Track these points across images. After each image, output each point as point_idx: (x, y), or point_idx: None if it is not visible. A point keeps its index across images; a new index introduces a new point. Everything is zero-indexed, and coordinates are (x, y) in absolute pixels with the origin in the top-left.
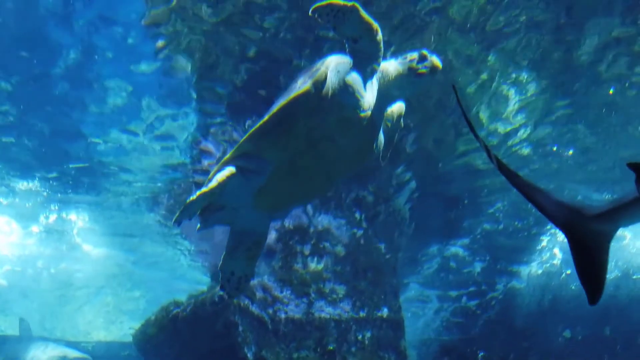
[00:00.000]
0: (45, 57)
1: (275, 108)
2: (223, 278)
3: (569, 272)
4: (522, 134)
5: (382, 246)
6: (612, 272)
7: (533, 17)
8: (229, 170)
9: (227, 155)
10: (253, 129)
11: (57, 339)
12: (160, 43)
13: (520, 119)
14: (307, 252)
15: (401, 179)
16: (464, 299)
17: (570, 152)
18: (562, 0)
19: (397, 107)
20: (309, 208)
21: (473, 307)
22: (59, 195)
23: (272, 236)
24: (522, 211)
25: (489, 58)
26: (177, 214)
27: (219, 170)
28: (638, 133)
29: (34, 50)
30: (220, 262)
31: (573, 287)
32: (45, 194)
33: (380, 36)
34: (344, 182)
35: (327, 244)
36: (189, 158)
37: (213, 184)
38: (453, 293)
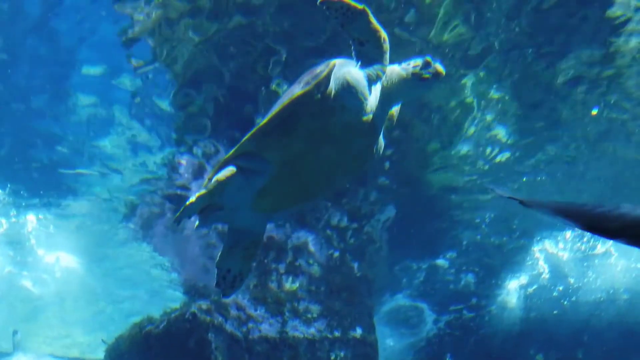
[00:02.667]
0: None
1: (277, 108)
2: (219, 275)
3: (560, 288)
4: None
5: (358, 267)
6: (594, 294)
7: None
8: (230, 170)
9: (228, 155)
10: (255, 128)
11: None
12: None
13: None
14: (282, 270)
15: (378, 198)
16: (453, 314)
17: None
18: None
19: (394, 109)
20: (286, 226)
21: (460, 324)
22: (23, 203)
23: None
24: (507, 225)
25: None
26: (177, 214)
27: (219, 170)
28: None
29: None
30: (217, 259)
31: (565, 303)
32: (5, 199)
33: (387, 45)
34: (322, 202)
35: (302, 263)
36: (165, 171)
37: (213, 184)
38: (438, 308)
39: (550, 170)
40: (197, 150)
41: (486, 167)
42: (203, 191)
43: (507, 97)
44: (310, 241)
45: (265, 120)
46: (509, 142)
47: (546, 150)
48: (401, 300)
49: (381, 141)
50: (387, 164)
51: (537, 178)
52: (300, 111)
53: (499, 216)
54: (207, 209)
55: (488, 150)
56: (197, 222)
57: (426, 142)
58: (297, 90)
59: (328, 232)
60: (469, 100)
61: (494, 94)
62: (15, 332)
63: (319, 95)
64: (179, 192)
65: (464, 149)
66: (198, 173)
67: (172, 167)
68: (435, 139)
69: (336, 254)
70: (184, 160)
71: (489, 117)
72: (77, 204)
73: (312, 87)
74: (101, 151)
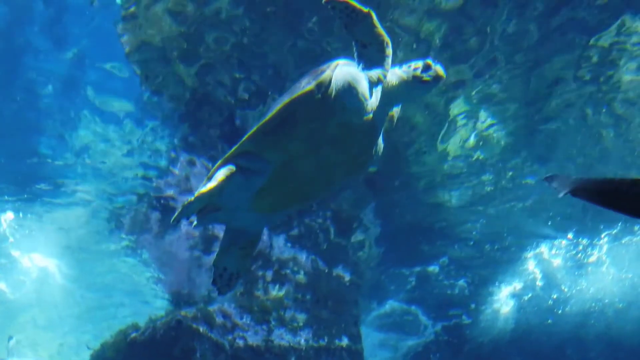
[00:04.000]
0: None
1: (277, 107)
2: (215, 273)
3: (555, 296)
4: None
5: (345, 275)
6: (585, 304)
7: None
8: (229, 168)
9: (228, 153)
10: (255, 127)
11: None
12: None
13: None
14: (268, 278)
15: (365, 206)
16: (442, 324)
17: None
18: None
19: (394, 111)
20: (272, 234)
21: (451, 331)
22: (5, 205)
23: None
24: (499, 233)
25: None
26: (175, 214)
27: (218, 168)
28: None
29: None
30: (214, 257)
31: (559, 312)
32: None
33: (389, 50)
34: (309, 210)
35: (288, 271)
36: (155, 176)
37: (212, 183)
38: (430, 314)
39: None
40: (189, 156)
41: (474, 182)
42: (202, 190)
43: (498, 114)
44: (296, 249)
45: (265, 120)
46: (497, 157)
47: (532, 163)
48: (395, 305)
49: (380, 143)
50: (374, 169)
51: (526, 203)
52: (301, 111)
53: (490, 224)
54: (206, 209)
55: (475, 158)
56: (195, 222)
57: (413, 150)
58: (298, 89)
59: (314, 240)
60: (458, 111)
61: (485, 112)
62: (10, 338)
63: (320, 95)
64: (171, 192)
65: (452, 162)
66: (187, 179)
67: (163, 172)
68: (422, 147)
69: (322, 263)
70: (176, 168)
71: (478, 131)
72: (61, 205)
73: (313, 86)
74: (89, 154)
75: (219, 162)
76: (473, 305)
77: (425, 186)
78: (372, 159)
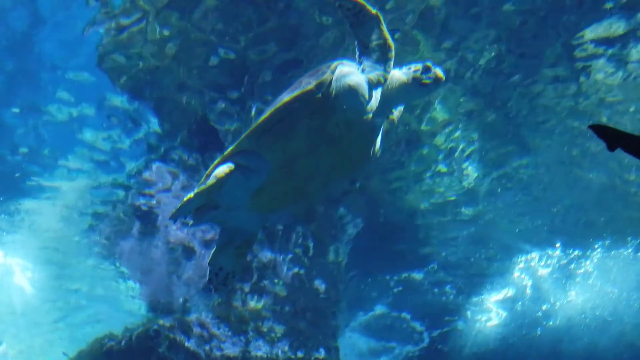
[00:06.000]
0: None
1: (276, 105)
2: (211, 272)
3: (545, 307)
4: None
5: (323, 288)
6: (572, 316)
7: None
8: (228, 166)
9: (227, 151)
10: (254, 125)
11: None
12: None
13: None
14: (247, 289)
15: (344, 219)
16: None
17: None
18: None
19: (396, 112)
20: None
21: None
22: None
23: None
24: (485, 242)
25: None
26: (173, 211)
27: (217, 166)
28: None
29: None
30: (210, 257)
31: (550, 324)
32: None
33: (392, 53)
34: (289, 221)
35: (267, 283)
36: (133, 181)
37: (211, 181)
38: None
39: (523, 193)
40: (170, 162)
41: (454, 190)
42: (201, 187)
43: (476, 120)
44: (275, 260)
45: (264, 117)
46: (479, 166)
47: (516, 174)
48: (384, 309)
49: (379, 144)
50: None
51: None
52: (300, 109)
53: (476, 233)
54: (203, 207)
55: (455, 169)
56: (191, 221)
57: (394, 161)
58: (298, 88)
59: (294, 250)
60: (439, 118)
61: (464, 114)
62: (0, 343)
63: (320, 95)
64: (151, 200)
65: (432, 169)
66: (169, 185)
67: (142, 178)
68: (403, 158)
69: (302, 274)
70: (153, 174)
71: (459, 141)
72: (34, 206)
73: (313, 86)
74: (69, 158)
75: (217, 160)
76: (454, 317)
77: (407, 195)
78: (370, 160)
